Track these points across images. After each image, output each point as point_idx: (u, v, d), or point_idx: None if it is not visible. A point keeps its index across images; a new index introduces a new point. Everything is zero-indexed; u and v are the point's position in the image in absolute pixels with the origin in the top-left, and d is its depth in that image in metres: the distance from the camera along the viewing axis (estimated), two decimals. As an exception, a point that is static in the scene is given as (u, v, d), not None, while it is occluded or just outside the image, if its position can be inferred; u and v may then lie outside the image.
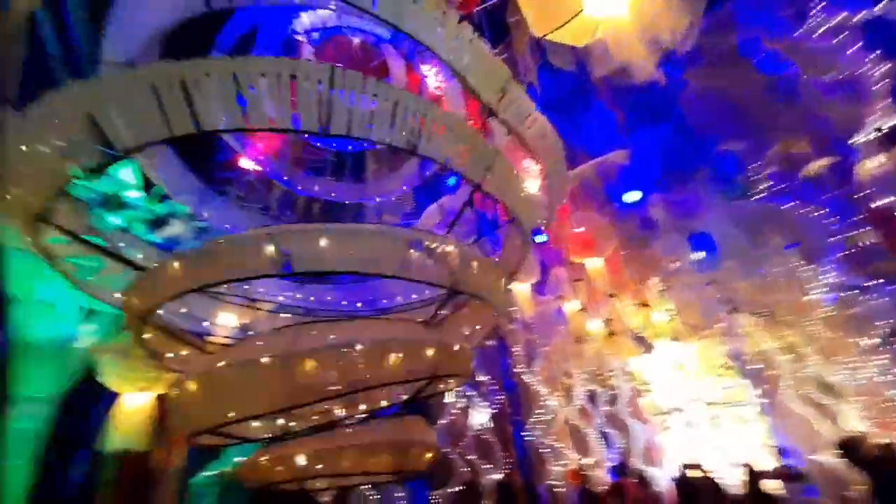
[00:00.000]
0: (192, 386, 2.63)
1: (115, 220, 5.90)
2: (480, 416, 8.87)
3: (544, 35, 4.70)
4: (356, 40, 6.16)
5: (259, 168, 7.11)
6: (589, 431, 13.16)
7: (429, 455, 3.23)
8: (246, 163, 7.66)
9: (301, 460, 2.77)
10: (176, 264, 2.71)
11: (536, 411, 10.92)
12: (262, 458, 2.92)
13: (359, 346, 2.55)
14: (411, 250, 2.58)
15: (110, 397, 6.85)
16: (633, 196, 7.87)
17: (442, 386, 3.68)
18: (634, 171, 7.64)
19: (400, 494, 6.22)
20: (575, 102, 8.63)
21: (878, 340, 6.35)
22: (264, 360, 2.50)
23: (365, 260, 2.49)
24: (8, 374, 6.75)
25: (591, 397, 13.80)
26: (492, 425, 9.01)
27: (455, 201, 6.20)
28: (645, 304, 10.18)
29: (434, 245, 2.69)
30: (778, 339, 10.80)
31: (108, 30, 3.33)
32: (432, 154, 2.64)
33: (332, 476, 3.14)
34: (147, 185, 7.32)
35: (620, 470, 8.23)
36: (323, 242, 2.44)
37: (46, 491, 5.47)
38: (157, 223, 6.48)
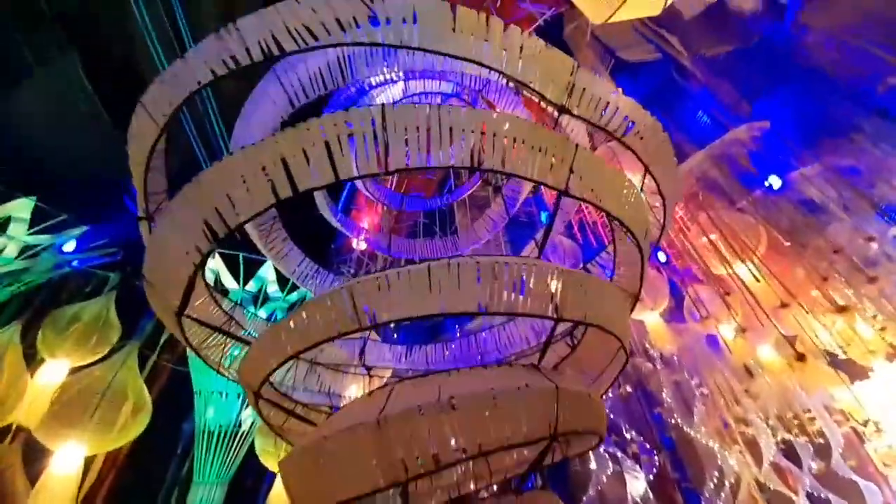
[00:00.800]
0: (292, 463, 2.36)
1: (262, 313, 6.62)
2: (638, 485, 7.15)
3: (608, 19, 4.16)
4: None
5: (364, 245, 7.56)
6: (795, 499, 9.81)
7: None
8: (355, 244, 8.26)
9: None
10: (270, 334, 2.65)
11: (711, 473, 8.55)
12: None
13: (451, 399, 2.03)
14: (495, 280, 2.09)
15: (272, 476, 7.32)
16: (774, 181, 6.23)
17: (571, 448, 2.86)
18: (768, 151, 6.05)
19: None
20: (668, 98, 7.46)
21: None
22: (351, 426, 2.14)
23: (441, 299, 2.08)
24: (191, 459, 7.66)
25: (788, 451, 10.47)
26: (652, 495, 7.17)
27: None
28: (843, 309, 7.48)
29: (523, 268, 2.16)
30: None
31: (234, 134, 3.83)
32: (496, 165, 2.22)
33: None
34: (281, 280, 8.32)
35: None
36: (393, 287, 2.13)
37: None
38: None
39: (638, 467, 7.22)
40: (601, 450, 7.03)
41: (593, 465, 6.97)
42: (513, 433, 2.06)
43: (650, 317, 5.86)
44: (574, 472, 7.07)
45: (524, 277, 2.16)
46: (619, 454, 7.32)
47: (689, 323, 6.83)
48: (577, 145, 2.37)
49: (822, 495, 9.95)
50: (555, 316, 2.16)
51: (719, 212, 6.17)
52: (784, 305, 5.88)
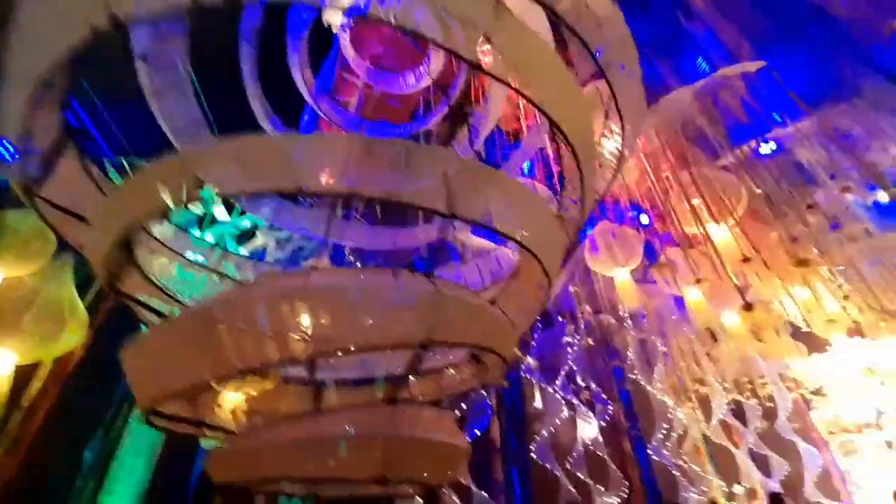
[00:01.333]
0: (130, 353, 2.03)
1: (209, 237, 6.45)
2: (589, 429, 7.48)
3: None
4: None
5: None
6: (737, 453, 10.44)
7: (453, 463, 2.36)
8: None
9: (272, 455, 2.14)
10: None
11: (662, 426, 8.96)
12: (227, 450, 2.37)
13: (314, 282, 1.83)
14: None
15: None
16: (764, 148, 5.91)
17: (490, 373, 2.76)
18: (766, 103, 5.65)
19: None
20: (672, 46, 6.73)
21: None
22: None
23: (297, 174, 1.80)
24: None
25: (737, 411, 11.01)
26: (602, 440, 7.52)
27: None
28: (803, 263, 7.20)
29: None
30: None
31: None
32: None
33: (309, 480, 2.41)
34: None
35: (776, 501, 6.04)
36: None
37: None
38: (244, 237, 6.96)
39: (591, 414, 7.52)
40: (558, 395, 7.25)
41: (544, 407, 7.23)
42: (379, 333, 1.90)
43: (620, 273, 5.77)
44: (530, 413, 7.36)
45: (408, 157, 1.84)
46: (575, 400, 7.58)
47: (659, 285, 6.79)
48: (500, 8, 1.84)
49: (763, 453, 10.61)
50: (447, 211, 1.86)
51: (703, 169, 5.86)
52: (745, 259, 5.77)
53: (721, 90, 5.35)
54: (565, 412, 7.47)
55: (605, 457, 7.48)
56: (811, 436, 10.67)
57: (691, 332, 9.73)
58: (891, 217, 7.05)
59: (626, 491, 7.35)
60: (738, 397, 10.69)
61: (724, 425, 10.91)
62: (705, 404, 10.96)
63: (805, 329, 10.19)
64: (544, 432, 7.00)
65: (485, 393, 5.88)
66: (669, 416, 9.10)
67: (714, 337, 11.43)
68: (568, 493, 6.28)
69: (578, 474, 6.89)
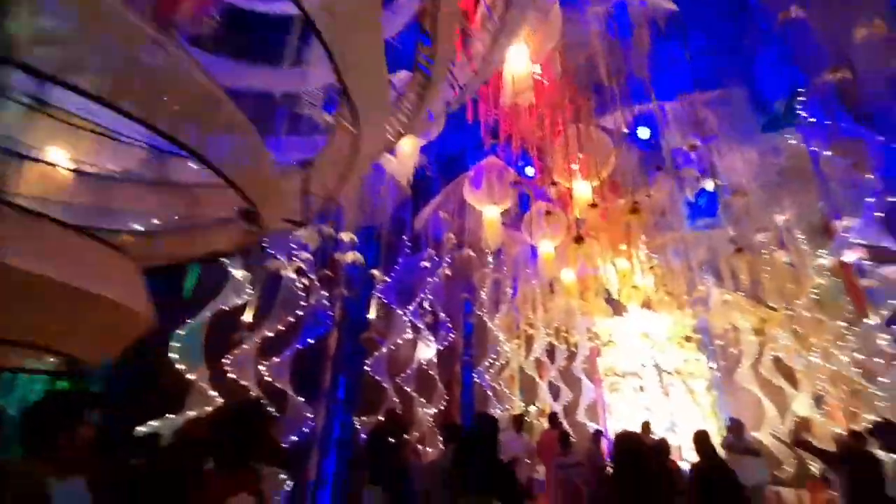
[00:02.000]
0: None
1: None
2: (427, 352, 7.87)
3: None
4: None
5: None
6: (540, 383, 12.65)
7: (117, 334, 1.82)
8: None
9: None
10: None
11: (491, 356, 10.02)
12: None
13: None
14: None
15: None
16: (644, 132, 6.31)
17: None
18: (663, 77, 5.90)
19: (311, 415, 5.19)
20: None
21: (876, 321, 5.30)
22: None
23: None
24: None
25: (550, 351, 13.18)
26: (436, 361, 8.04)
27: None
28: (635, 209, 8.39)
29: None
30: (754, 316, 9.99)
31: None
32: None
33: None
34: None
35: (552, 419, 7.55)
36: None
37: None
38: None
39: (432, 338, 7.89)
40: (406, 318, 7.31)
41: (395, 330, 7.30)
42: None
43: (490, 210, 5.74)
44: (366, 339, 7.35)
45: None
46: (421, 325, 7.81)
47: (523, 233, 7.09)
48: None
49: (557, 384, 13.12)
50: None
51: (587, 126, 6.02)
52: (579, 239, 6.37)
53: (633, 44, 5.32)
54: (409, 334, 7.63)
55: (436, 376, 8.05)
56: (594, 376, 13.39)
57: (537, 282, 10.82)
58: (703, 215, 8.53)
59: (445, 403, 8.13)
60: (553, 341, 12.77)
61: (537, 361, 13.06)
62: (529, 343, 12.87)
63: (615, 297, 12.35)
64: (384, 349, 7.06)
65: (328, 304, 5.43)
66: (498, 349, 10.23)
67: (552, 289, 13.24)
68: (391, 402, 6.58)
69: (406, 388, 7.25)
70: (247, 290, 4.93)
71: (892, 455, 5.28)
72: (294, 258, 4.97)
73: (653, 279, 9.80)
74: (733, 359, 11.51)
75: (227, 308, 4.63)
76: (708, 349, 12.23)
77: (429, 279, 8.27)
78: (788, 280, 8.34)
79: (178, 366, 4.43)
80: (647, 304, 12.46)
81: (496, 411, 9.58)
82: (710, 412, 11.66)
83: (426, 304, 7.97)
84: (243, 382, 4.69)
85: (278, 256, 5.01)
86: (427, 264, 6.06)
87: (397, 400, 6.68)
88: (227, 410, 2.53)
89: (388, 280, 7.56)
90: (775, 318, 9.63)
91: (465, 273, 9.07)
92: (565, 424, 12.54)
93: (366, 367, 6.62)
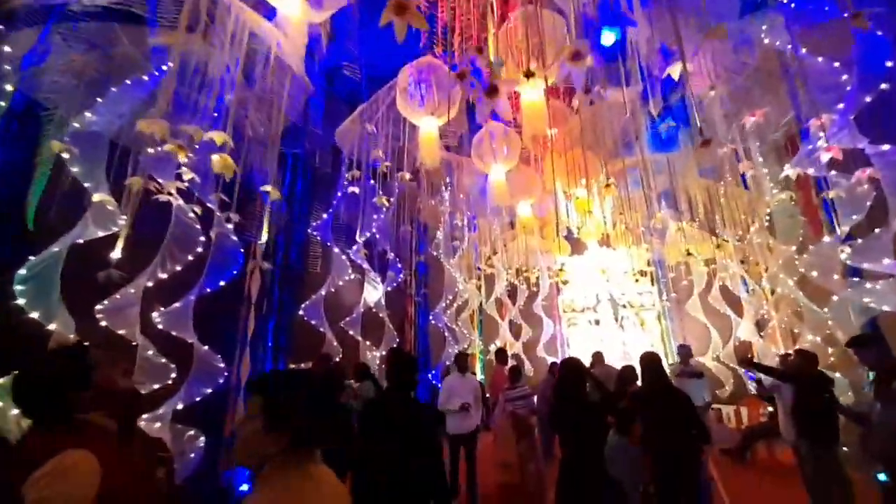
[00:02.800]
0: None
1: None
2: (374, 293, 7.14)
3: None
4: None
5: None
6: (500, 322, 12.47)
7: None
8: None
9: None
10: None
11: (448, 297, 9.46)
12: None
13: None
14: None
15: None
16: (608, 37, 5.30)
17: None
18: None
19: (222, 365, 4.42)
20: None
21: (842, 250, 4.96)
22: None
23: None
24: None
25: (512, 291, 12.92)
26: (384, 302, 7.35)
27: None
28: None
29: None
30: (706, 247, 9.89)
31: None
32: None
33: None
34: None
35: (499, 354, 7.26)
36: None
37: None
38: None
39: (379, 279, 7.15)
40: (343, 257, 6.44)
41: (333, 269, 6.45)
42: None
43: (427, 122, 4.68)
44: (308, 273, 6.46)
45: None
46: (366, 265, 6.99)
47: (473, 160, 6.17)
48: None
49: (518, 322, 13.06)
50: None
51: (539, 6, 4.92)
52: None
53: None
54: (352, 275, 6.81)
55: (385, 318, 7.41)
56: (553, 313, 13.36)
57: (495, 219, 10.12)
58: (664, 147, 7.90)
59: (397, 343, 7.60)
60: (514, 281, 12.48)
61: (498, 301, 12.82)
62: (489, 283, 12.52)
63: (574, 234, 11.95)
64: (322, 292, 6.24)
65: (236, 239, 4.44)
66: (456, 289, 9.67)
67: (512, 226, 12.70)
68: (330, 346, 5.91)
69: (350, 332, 6.58)
70: (116, 219, 3.84)
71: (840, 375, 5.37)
72: (181, 181, 3.86)
73: (611, 209, 9.28)
74: (684, 290, 11.64)
75: (82, 242, 3.57)
76: (660, 282, 12.32)
77: (374, 216, 7.33)
78: (743, 209, 8.03)
79: (31, 314, 3.44)
80: (604, 241, 12.23)
81: (453, 350, 9.23)
82: (658, 341, 12.01)
83: (368, 241, 7.09)
84: (121, 332, 3.77)
85: (156, 178, 3.91)
86: (355, 190, 5.06)
87: (336, 344, 6.01)
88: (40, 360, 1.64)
89: (324, 216, 6.57)
90: (727, 248, 9.51)
91: (412, 207, 8.15)
92: (524, 359, 12.75)
93: (300, 312, 5.83)
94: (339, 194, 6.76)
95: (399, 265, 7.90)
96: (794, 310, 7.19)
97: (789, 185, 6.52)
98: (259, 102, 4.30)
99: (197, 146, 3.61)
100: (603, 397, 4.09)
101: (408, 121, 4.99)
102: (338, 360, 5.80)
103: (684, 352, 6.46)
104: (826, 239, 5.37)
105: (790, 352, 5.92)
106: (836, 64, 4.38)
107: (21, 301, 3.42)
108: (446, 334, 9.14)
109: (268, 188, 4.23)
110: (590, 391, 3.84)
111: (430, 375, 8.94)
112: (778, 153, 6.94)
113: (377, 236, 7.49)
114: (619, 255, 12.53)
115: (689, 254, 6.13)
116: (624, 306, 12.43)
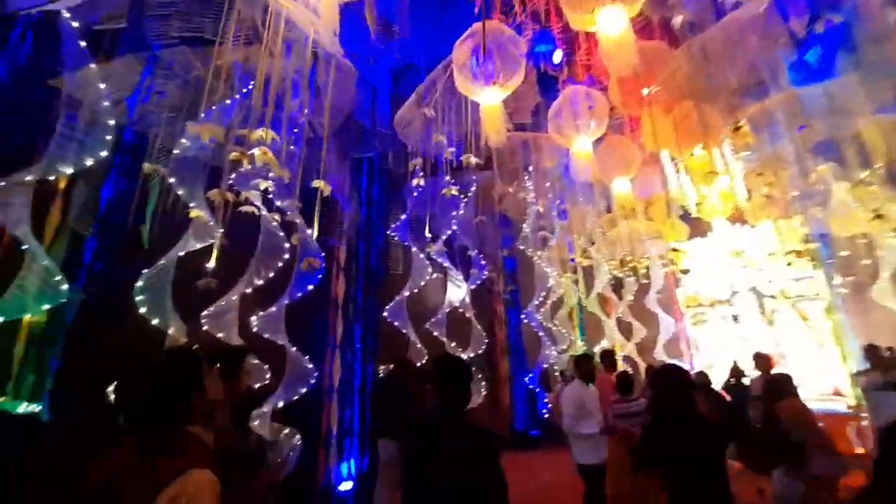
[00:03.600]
0: None
1: None
2: (457, 293, 6.78)
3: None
4: None
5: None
6: (606, 321, 10.97)
7: None
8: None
9: None
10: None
11: (540, 294, 8.64)
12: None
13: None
14: None
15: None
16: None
17: None
18: None
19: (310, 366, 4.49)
20: None
21: None
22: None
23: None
24: None
25: (618, 284, 11.31)
26: (469, 301, 6.93)
27: None
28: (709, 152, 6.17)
29: None
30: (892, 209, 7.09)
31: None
32: None
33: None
34: None
35: (605, 357, 6.02)
36: None
37: None
38: None
39: (462, 277, 6.77)
40: (422, 256, 6.23)
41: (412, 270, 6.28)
42: None
43: (488, 94, 4.06)
44: (390, 275, 6.41)
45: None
46: (447, 264, 6.69)
47: (552, 135, 5.37)
48: None
49: (628, 320, 11.35)
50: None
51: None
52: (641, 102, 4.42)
53: None
54: (434, 274, 6.57)
55: (472, 318, 6.99)
56: (672, 308, 11.33)
57: (589, 202, 8.96)
58: (814, 77, 5.84)
59: (485, 346, 7.10)
60: (617, 272, 10.87)
61: (601, 297, 11.32)
62: (588, 276, 11.14)
63: (692, 212, 9.95)
64: (405, 293, 6.11)
65: (321, 250, 4.51)
66: (549, 285, 8.78)
67: (609, 210, 11.07)
68: (414, 349, 5.71)
69: (435, 333, 6.32)
70: (213, 232, 4.15)
71: None
72: (262, 193, 4.04)
73: (742, 172, 7.39)
74: (865, 272, 8.65)
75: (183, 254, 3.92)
76: (826, 263, 9.40)
77: (453, 212, 7.02)
78: None
79: (152, 322, 3.89)
80: (737, 216, 9.86)
81: (551, 353, 8.34)
82: (832, 339, 9.12)
83: (449, 239, 6.78)
84: (220, 335, 4.04)
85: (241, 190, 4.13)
86: (421, 182, 4.71)
87: (421, 346, 5.79)
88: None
89: (402, 217, 6.47)
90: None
91: (487, 197, 7.59)
92: (638, 363, 10.98)
93: (384, 314, 5.78)
94: (415, 194, 6.60)
95: (483, 262, 7.42)
96: None
97: None
98: (320, 105, 4.31)
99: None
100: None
101: (471, 102, 4.52)
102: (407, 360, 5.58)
103: (876, 356, 4.44)
104: None
105: None
106: None
107: (143, 310, 3.88)
108: (541, 334, 8.29)
109: (319, 183, 4.11)
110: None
111: (526, 380, 8.20)
112: None
113: (457, 232, 7.15)
114: (759, 232, 10.01)
115: (878, 216, 4.30)
116: (773, 297, 9.83)
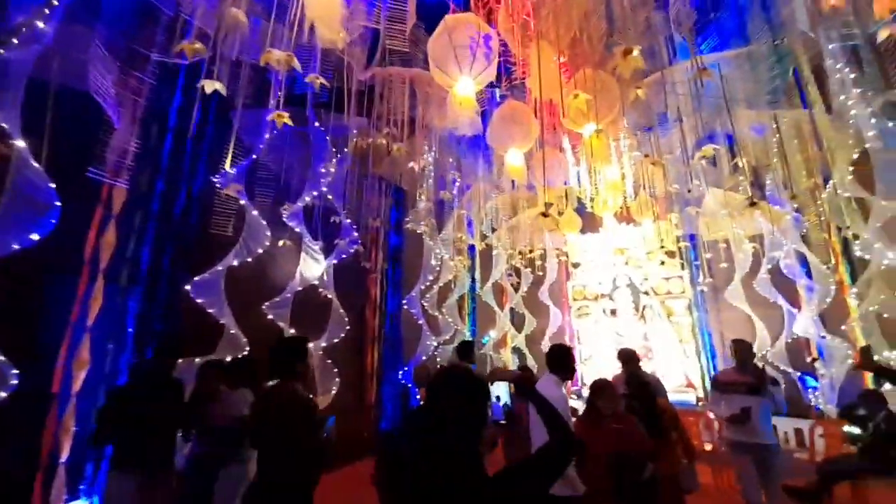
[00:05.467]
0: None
1: None
2: (314, 268, 5.33)
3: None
4: None
5: None
6: (498, 312, 10.51)
7: None
8: None
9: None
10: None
11: (427, 278, 7.57)
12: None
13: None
14: None
15: None
16: None
17: None
18: None
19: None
20: None
21: None
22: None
23: None
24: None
25: (514, 272, 10.92)
26: (331, 280, 5.54)
27: None
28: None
29: None
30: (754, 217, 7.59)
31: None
32: None
33: None
34: None
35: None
36: None
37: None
38: None
39: (321, 253, 5.33)
40: (256, 214, 4.62)
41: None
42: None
43: (463, 84, 2.78)
44: (211, 236, 4.68)
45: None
46: (302, 229, 5.18)
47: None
48: None
49: (521, 311, 11.09)
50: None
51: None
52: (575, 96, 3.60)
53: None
54: (281, 242, 5.01)
55: (333, 299, 5.60)
56: (561, 301, 11.30)
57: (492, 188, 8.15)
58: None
59: (349, 331, 5.79)
60: (518, 264, 10.48)
61: (497, 286, 10.86)
62: (485, 263, 10.57)
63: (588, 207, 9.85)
64: (230, 263, 4.46)
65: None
66: (437, 268, 7.77)
67: (515, 210, 10.64)
68: (229, 337, 4.14)
69: (270, 316, 4.79)
70: None
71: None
72: None
73: (631, 165, 7.17)
74: (723, 274, 9.33)
75: None
76: (693, 264, 10.04)
77: (323, 169, 5.52)
78: (822, 153, 5.72)
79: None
80: (624, 215, 10.03)
81: (431, 343, 7.35)
82: (689, 335, 9.77)
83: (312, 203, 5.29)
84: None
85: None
86: (284, 118, 3.15)
87: (237, 333, 4.23)
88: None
89: (241, 161, 4.75)
90: (783, 218, 7.25)
91: (379, 157, 6.23)
92: (526, 353, 10.78)
93: (187, 288, 4.07)
94: (268, 135, 4.96)
95: (356, 233, 6.05)
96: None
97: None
98: None
99: None
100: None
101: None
102: (241, 356, 4.03)
103: (743, 350, 4.12)
104: None
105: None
106: None
107: None
108: (420, 322, 7.24)
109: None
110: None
111: (400, 374, 7.11)
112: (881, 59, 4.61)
113: (328, 196, 5.67)
114: (642, 231, 10.33)
115: (752, 203, 4.00)
116: (647, 293, 10.22)
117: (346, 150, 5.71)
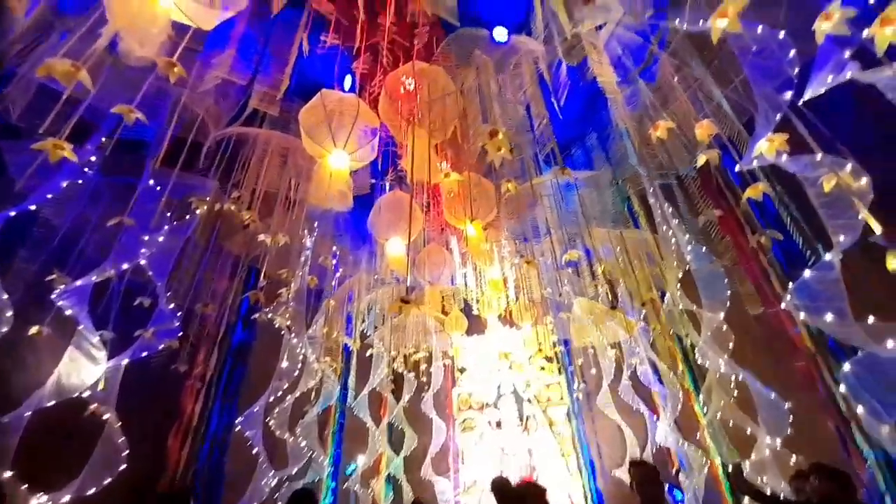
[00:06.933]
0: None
1: None
2: (85, 371, 3.53)
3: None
4: None
5: None
6: (372, 427, 8.84)
7: None
8: None
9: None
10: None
11: (277, 389, 5.94)
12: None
13: None
14: None
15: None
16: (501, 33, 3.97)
17: None
18: None
19: None
20: None
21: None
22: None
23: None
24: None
25: (395, 379, 9.64)
26: (110, 389, 3.72)
27: None
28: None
29: None
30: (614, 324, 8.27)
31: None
32: None
33: None
34: None
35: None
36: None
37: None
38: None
39: (102, 348, 3.64)
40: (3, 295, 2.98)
41: None
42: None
43: (337, 157, 2.20)
44: None
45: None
46: (79, 309, 3.52)
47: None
48: None
49: (399, 427, 9.55)
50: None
51: None
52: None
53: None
54: (33, 328, 3.26)
55: (109, 420, 3.67)
56: (446, 412, 10.21)
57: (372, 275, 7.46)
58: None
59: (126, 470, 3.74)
60: (401, 369, 9.35)
61: (374, 396, 9.36)
62: (362, 369, 9.17)
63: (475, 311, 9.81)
64: None
65: None
66: (297, 373, 6.24)
67: (404, 301, 9.95)
68: None
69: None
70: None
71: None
72: None
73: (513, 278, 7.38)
74: (593, 381, 9.66)
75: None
76: (567, 370, 10.27)
77: (146, 237, 4.19)
78: (658, 265, 6.66)
79: None
80: (507, 318, 10.16)
81: (269, 481, 5.34)
82: (570, 447, 9.40)
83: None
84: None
85: None
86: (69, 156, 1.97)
87: None
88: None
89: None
90: (634, 327, 8.03)
91: (239, 242, 5.14)
92: (403, 484, 8.94)
93: None
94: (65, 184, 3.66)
95: (177, 323, 4.48)
96: (736, 400, 5.48)
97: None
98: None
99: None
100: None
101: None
102: None
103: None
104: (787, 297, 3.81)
105: (803, 468, 3.75)
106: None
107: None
108: (256, 451, 5.29)
109: None
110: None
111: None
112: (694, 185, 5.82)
113: (148, 272, 4.21)
114: (522, 334, 10.46)
115: (613, 307, 4.12)
116: (529, 401, 9.89)
117: (187, 216, 4.56)
